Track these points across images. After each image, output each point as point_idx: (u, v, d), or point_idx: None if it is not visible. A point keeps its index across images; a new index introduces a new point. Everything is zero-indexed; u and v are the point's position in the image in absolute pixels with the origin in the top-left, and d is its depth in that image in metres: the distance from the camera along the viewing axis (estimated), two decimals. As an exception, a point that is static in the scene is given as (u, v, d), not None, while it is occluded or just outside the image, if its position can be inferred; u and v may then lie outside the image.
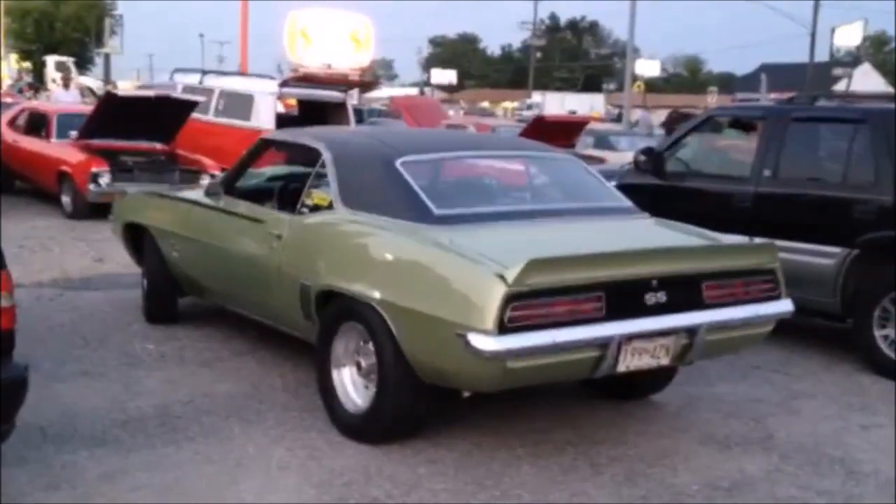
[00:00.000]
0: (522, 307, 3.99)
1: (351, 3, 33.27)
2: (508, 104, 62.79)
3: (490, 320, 3.95)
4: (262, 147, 5.88)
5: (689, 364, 4.75)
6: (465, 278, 4.14)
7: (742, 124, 7.43)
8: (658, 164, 7.43)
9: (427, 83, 73.13)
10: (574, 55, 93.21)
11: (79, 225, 11.57)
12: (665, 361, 4.53)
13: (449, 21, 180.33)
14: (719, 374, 6.13)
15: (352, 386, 4.72)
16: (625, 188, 7.64)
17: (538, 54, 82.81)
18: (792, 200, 6.66)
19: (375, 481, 4.23)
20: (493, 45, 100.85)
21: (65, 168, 12.33)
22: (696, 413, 5.38)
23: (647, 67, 68.28)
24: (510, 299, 3.95)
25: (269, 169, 6.62)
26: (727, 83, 71.93)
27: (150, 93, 13.37)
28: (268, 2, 32.75)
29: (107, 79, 43.29)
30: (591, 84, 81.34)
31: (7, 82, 38.70)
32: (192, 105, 12.65)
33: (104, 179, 11.85)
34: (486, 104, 64.08)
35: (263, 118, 13.91)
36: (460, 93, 77.99)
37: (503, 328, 3.95)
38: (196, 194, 6.28)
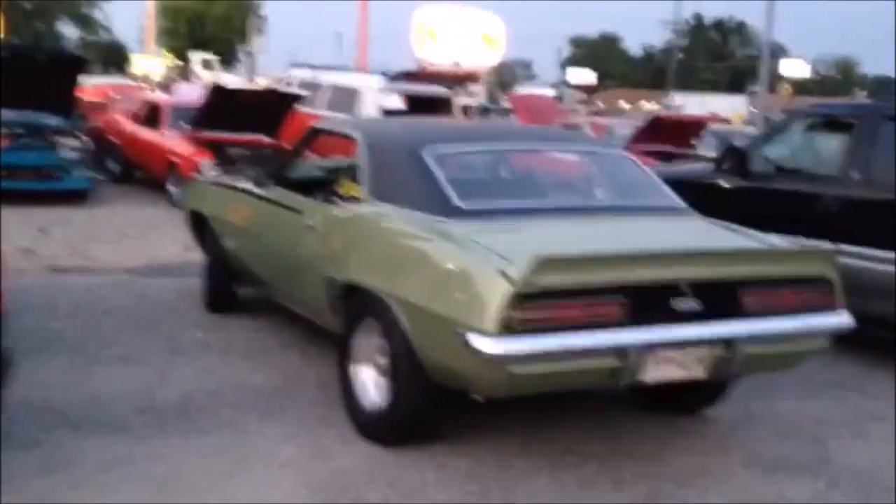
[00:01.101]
0: (530, 308, 3.72)
1: (489, 2, 33.23)
2: (648, 105, 61.62)
3: (492, 320, 3.69)
4: (312, 135, 5.76)
5: (734, 378, 4.36)
6: (470, 275, 3.89)
7: (834, 124, 6.89)
8: (741, 163, 6.97)
9: (565, 83, 72.58)
10: (719, 55, 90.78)
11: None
12: (700, 374, 4.17)
13: (590, 21, 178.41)
14: (788, 389, 5.67)
15: (371, 384, 4.52)
16: (703, 188, 7.27)
17: (681, 54, 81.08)
18: (881, 205, 6.13)
19: (375, 485, 4.03)
20: (634, 45, 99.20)
21: (173, 158, 12.61)
22: (749, 431, 4.97)
23: (794, 68, 65.85)
24: (515, 299, 3.69)
25: (325, 159, 6.52)
26: (884, 86, 68.67)
27: (256, 86, 13.53)
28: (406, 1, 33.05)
29: (251, 76, 44.52)
30: (736, 85, 78.99)
31: (156, 79, 40.22)
32: (295, 98, 12.74)
33: (208, 170, 12.04)
34: (624, 104, 63.07)
35: (368, 112, 13.92)
36: (599, 93, 77.08)
37: (507, 329, 3.69)
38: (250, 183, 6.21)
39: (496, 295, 3.70)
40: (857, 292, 6.19)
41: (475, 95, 31.15)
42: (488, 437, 4.56)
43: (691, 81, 79.81)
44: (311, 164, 6.31)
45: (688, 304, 4.02)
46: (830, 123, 6.97)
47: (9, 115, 12.09)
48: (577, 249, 3.92)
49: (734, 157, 7.03)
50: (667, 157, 13.49)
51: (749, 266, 4.20)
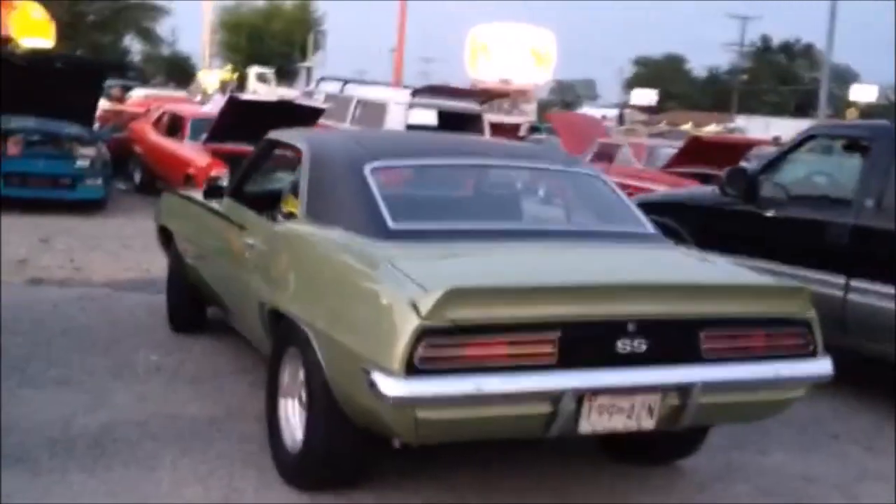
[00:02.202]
0: (440, 346, 3.27)
1: (550, 22, 32.88)
2: (712, 127, 60.50)
3: (396, 358, 3.24)
4: (268, 147, 5.36)
5: (681, 429, 3.82)
6: (378, 305, 3.44)
7: (849, 146, 6.32)
8: (749, 186, 6.43)
9: (625, 104, 71.74)
10: (785, 78, 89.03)
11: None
12: (649, 424, 3.66)
13: (656, 42, 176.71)
14: (782, 440, 5.13)
15: (293, 420, 4.10)
16: (707, 213, 6.74)
17: (745, 76, 79.70)
18: (892, 237, 5.55)
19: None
20: (698, 67, 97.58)
21: (189, 169, 12.37)
22: (724, 488, 4.44)
23: (864, 93, 64.27)
24: (423, 334, 3.24)
25: (280, 173, 6.11)
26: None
27: (273, 98, 13.25)
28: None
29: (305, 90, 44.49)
30: (803, 109, 77.32)
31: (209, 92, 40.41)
32: (316, 112, 12.43)
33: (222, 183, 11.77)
34: (687, 126, 61.92)
35: (393, 126, 13.56)
36: (661, 114, 75.95)
37: (412, 369, 3.24)
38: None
39: (401, 329, 3.26)
40: (872, 334, 5.65)
41: (525, 114, 30.74)
42: (424, 485, 4.11)
43: (755, 104, 78.33)
44: (266, 177, 5.93)
45: (635, 344, 3.53)
46: (845, 145, 6.40)
47: (26, 122, 11.98)
48: (502, 279, 3.46)
49: (741, 179, 6.49)
50: (704, 179, 12.89)
51: (709, 304, 3.68)
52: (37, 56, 14.43)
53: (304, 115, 12.44)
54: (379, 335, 3.34)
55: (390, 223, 3.99)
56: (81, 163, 11.85)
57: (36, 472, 4.02)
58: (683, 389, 3.60)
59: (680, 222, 6.93)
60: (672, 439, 4.38)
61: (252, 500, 3.90)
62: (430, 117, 14.52)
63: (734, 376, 3.68)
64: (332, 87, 15.35)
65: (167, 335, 6.31)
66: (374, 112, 14.04)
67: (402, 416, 3.33)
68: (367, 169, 4.22)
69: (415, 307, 3.25)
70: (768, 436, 5.17)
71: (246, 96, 14.56)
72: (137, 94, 28.31)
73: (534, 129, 30.13)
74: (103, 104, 25.25)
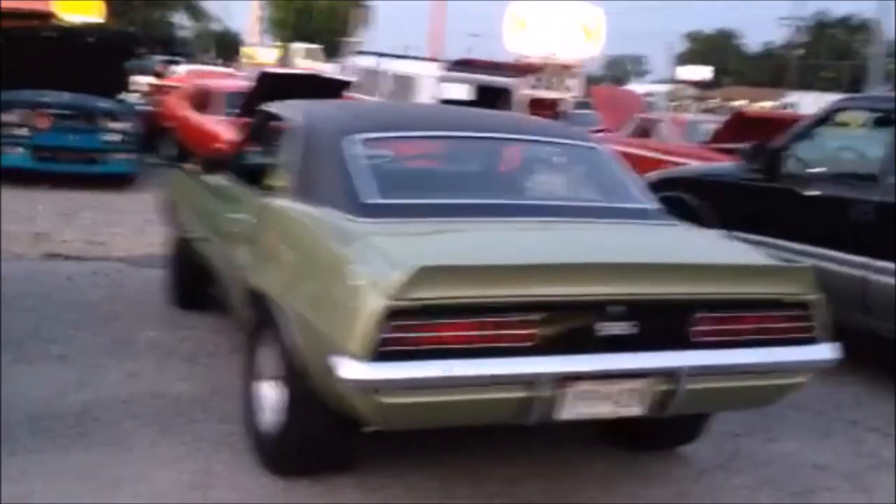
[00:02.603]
0: (407, 328, 3.10)
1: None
2: (766, 103, 59.36)
3: (360, 341, 3.08)
4: (264, 119, 5.20)
5: (670, 415, 3.61)
6: (347, 285, 3.28)
7: (878, 119, 6.00)
8: (772, 161, 6.15)
9: (673, 80, 70.67)
10: (842, 54, 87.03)
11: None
12: (637, 411, 3.47)
13: (709, 18, 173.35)
14: (797, 425, 4.92)
15: (270, 403, 3.96)
16: (729, 189, 6.49)
17: (801, 51, 78.08)
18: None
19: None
20: (753, 42, 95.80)
21: (217, 143, 12.30)
22: (725, 477, 4.23)
23: (921, 67, 62.60)
24: (389, 316, 3.07)
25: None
26: None
27: (302, 71, 13.11)
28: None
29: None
30: (858, 84, 75.57)
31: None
32: (342, 84, 12.27)
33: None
34: (740, 102, 60.67)
35: (423, 100, 13.37)
36: (714, 90, 74.65)
37: (377, 352, 3.08)
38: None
39: (365, 310, 3.09)
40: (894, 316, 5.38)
41: (570, 89, 30.29)
42: (409, 471, 3.95)
43: (812, 80, 76.69)
44: (261, 150, 5.77)
45: (620, 328, 3.34)
46: (875, 119, 6.08)
47: (55, 96, 11.98)
48: (477, 257, 3.28)
49: (763, 154, 6.22)
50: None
51: (700, 285, 3.46)
52: (67, 30, 14.36)
53: (333, 88, 12.28)
54: (344, 317, 3.18)
55: (372, 198, 3.82)
56: (110, 137, 11.83)
57: (13, 452, 3.92)
58: (672, 375, 3.41)
59: (700, 199, 6.68)
60: (671, 425, 4.18)
61: (225, 485, 3.77)
62: (461, 91, 14.29)
63: (725, 361, 3.47)
64: (367, 62, 15.21)
65: (173, 312, 6.22)
66: (405, 86, 13.87)
67: (367, 402, 3.18)
68: (345, 141, 4.04)
69: (380, 287, 3.09)
70: (782, 422, 4.95)
71: (276, 69, 14.41)
72: (181, 69, 28.46)
73: (581, 104, 29.68)
74: (148, 80, 25.41)
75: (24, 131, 11.37)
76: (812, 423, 5.02)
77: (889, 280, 5.34)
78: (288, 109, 4.71)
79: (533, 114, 25.06)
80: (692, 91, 62.81)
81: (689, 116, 18.77)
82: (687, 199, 6.80)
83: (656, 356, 3.39)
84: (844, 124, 6.54)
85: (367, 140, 4.10)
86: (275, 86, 11.79)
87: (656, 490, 4.03)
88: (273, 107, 4.97)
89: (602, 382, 3.36)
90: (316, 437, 3.69)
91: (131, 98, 17.13)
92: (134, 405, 4.51)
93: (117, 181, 11.93)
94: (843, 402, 5.40)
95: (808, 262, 5.65)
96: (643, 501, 3.92)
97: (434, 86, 13.60)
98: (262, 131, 5.24)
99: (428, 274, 3.05)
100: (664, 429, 4.23)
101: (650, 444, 4.34)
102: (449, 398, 3.20)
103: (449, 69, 13.90)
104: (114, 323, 5.86)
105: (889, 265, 5.34)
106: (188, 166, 6.42)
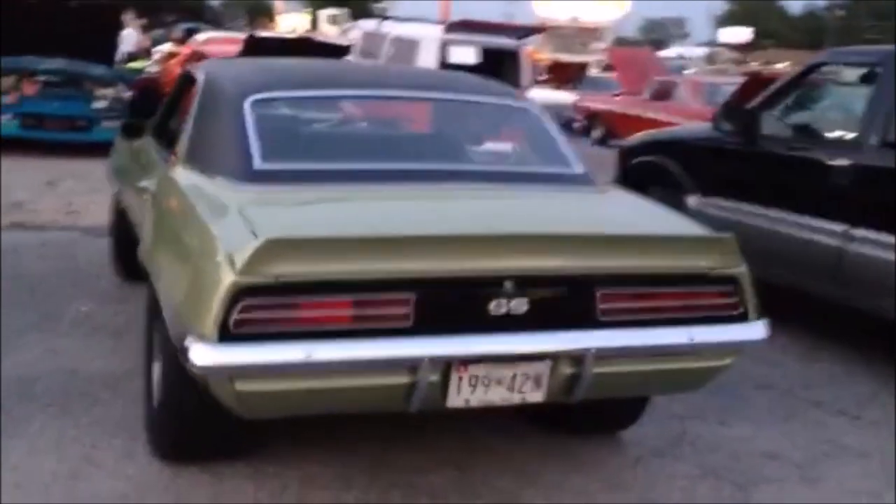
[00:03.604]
0: (263, 307, 2.78)
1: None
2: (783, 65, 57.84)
3: (209, 321, 2.77)
4: (184, 81, 4.86)
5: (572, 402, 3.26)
6: (205, 260, 2.96)
7: (860, 75, 5.55)
8: (748, 123, 5.73)
9: (713, 42, 69.33)
10: (885, 14, 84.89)
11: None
12: (536, 397, 3.14)
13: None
14: (756, 407, 4.59)
15: (157, 385, 3.67)
16: (706, 152, 6.09)
17: (843, 13, 76.33)
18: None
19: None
20: (795, 4, 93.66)
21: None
22: (662, 465, 3.88)
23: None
24: (240, 293, 2.75)
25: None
26: None
27: (290, 35, 12.75)
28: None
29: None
30: (902, 46, 73.59)
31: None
32: (339, 49, 11.89)
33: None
34: (783, 65, 59.25)
35: (425, 65, 12.93)
36: (754, 53, 73.12)
37: (229, 334, 2.77)
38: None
39: (215, 287, 2.78)
40: (871, 288, 5.00)
41: (594, 52, 29.69)
42: (308, 458, 3.65)
43: (855, 41, 74.89)
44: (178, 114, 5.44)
45: (514, 306, 2.99)
46: (856, 75, 5.64)
47: (52, 62, 11.76)
48: (345, 228, 2.95)
49: (739, 114, 5.80)
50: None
51: (606, 258, 3.10)
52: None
53: (329, 53, 11.92)
54: (196, 295, 2.88)
55: (260, 164, 3.49)
56: (98, 104, 11.59)
57: None
58: (575, 357, 3.06)
59: (679, 163, 6.29)
60: (606, 407, 3.86)
61: (105, 474, 3.48)
62: (468, 55, 13.84)
63: (638, 343, 3.12)
64: (371, 25, 14.79)
65: (113, 283, 5.96)
66: (406, 49, 13.42)
67: (222, 388, 2.88)
68: (248, 102, 3.71)
69: (231, 262, 2.77)
70: (740, 402, 4.62)
71: (265, 33, 14.07)
72: (200, 37, 28.20)
73: (609, 67, 29.09)
74: (165, 47, 25.18)
75: (10, 98, 11.16)
76: (774, 404, 4.66)
77: (866, 249, 4.94)
78: (201, 69, 4.39)
79: (555, 78, 24.60)
80: (732, 54, 61.52)
81: (707, 79, 18.19)
82: (667, 164, 6.41)
83: (556, 336, 3.05)
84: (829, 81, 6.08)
85: (263, 100, 3.76)
86: (263, 50, 11.47)
87: (581, 479, 3.69)
88: (194, 68, 4.64)
89: (495, 366, 3.03)
90: (193, 421, 3.37)
91: (137, 65, 16.97)
92: (40, 385, 4.25)
93: (104, 149, 11.67)
94: (813, 381, 5.03)
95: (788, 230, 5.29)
96: (562, 491, 3.58)
97: (437, 49, 13.13)
98: (182, 94, 4.91)
99: (277, 247, 2.73)
100: (597, 411, 3.88)
101: (582, 427, 4.00)
102: (314, 385, 2.88)
103: (446, 31, 13.38)
104: (49, 297, 5.61)
105: (867, 234, 4.94)
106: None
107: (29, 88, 11.28)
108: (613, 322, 3.10)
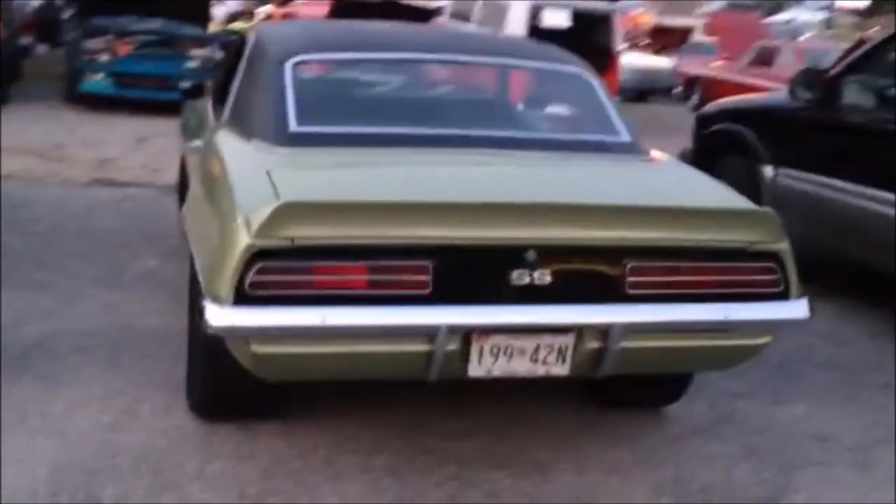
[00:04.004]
0: (280, 270, 2.78)
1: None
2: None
3: (225, 283, 2.78)
4: (240, 42, 4.86)
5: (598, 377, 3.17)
6: (227, 222, 2.96)
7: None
8: (829, 91, 5.47)
9: (830, 7, 66.77)
10: None
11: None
12: (561, 371, 3.07)
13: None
14: (816, 388, 4.43)
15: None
16: (780, 121, 5.85)
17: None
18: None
19: (136, 472, 3.24)
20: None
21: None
22: (702, 443, 3.77)
23: None
24: (256, 256, 2.75)
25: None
26: None
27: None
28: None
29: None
30: None
31: None
32: (425, 13, 11.86)
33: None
34: (901, 31, 56.64)
35: (514, 29, 12.78)
36: (872, 18, 70.32)
37: (246, 297, 2.77)
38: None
39: (232, 249, 2.78)
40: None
41: (701, 17, 28.87)
42: (341, 423, 3.66)
43: None
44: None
45: (537, 276, 2.93)
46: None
47: (138, 22, 12.01)
48: (364, 193, 2.91)
49: (819, 81, 5.54)
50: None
51: (637, 230, 2.99)
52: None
53: (416, 17, 11.90)
54: (215, 256, 2.90)
55: (295, 126, 3.48)
56: (191, 64, 11.79)
57: (-57, 381, 3.83)
58: (601, 332, 2.99)
59: (754, 131, 6.06)
60: (649, 381, 3.77)
61: (143, 427, 3.56)
62: (560, 18, 13.61)
63: (667, 318, 3.02)
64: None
65: (179, 241, 6.04)
66: (496, 13, 13.26)
67: (239, 350, 2.90)
68: (289, 64, 3.69)
69: (248, 224, 2.77)
70: (799, 381, 4.46)
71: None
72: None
73: (712, 31, 28.32)
74: (267, 8, 25.46)
75: (105, 57, 11.45)
76: (835, 384, 4.48)
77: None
78: (253, 31, 4.39)
79: (657, 42, 24.01)
80: (853, 19, 59.21)
81: (812, 44, 17.53)
82: (743, 132, 6.19)
83: (580, 309, 2.97)
84: None
85: (305, 62, 3.74)
86: (349, 12, 11.49)
87: (616, 453, 3.61)
88: (251, 30, 4.65)
89: (517, 337, 2.97)
90: (226, 380, 3.39)
91: (238, 26, 17.23)
92: (92, 338, 4.35)
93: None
94: (883, 362, 4.81)
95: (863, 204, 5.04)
96: (595, 464, 3.51)
97: (528, 12, 12.93)
98: (237, 55, 4.93)
99: (294, 210, 2.72)
100: (640, 385, 3.80)
101: (625, 401, 3.92)
102: (331, 350, 2.88)
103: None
104: (118, 251, 5.75)
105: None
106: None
107: (122, 49, 11.54)
108: (643, 296, 3.00)
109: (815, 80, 5.54)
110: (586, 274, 2.98)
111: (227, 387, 3.41)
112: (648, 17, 28.66)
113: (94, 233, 6.11)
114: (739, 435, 3.85)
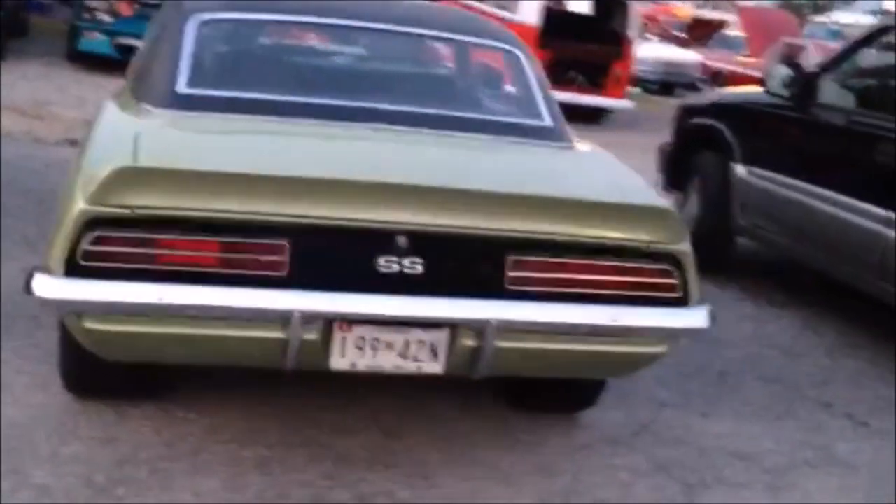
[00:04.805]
0: (117, 241, 2.56)
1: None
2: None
3: (56, 252, 2.57)
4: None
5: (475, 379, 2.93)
6: (69, 188, 2.76)
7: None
8: (805, 89, 5.16)
9: (878, 11, 65.56)
10: None
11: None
12: (434, 368, 2.83)
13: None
14: (752, 402, 4.16)
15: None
16: (755, 118, 5.55)
17: None
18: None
19: None
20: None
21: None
22: (609, 454, 3.51)
23: None
24: (91, 224, 2.54)
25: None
26: None
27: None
28: None
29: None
30: None
31: None
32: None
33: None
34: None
35: (526, 12, 12.48)
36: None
37: (78, 268, 2.55)
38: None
39: (67, 216, 2.58)
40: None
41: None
42: (222, 408, 3.45)
43: None
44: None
45: (408, 265, 2.69)
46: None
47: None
48: (216, 163, 2.68)
49: (795, 78, 5.23)
50: None
51: (522, 221, 2.74)
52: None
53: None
54: (56, 224, 2.68)
55: (182, 87, 3.25)
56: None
57: None
58: (476, 329, 2.74)
59: (729, 127, 5.76)
60: (559, 385, 3.52)
61: (13, 400, 3.36)
62: (580, 4, 13.32)
63: (548, 318, 2.77)
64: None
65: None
66: (511, -1, 13.00)
67: (73, 325, 2.68)
68: (192, 21, 3.45)
69: (85, 189, 2.55)
70: (736, 393, 4.21)
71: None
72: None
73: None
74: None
75: (106, 17, 11.28)
76: (774, 399, 4.21)
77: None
78: None
79: (693, 36, 23.53)
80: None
81: (837, 44, 17.04)
82: (719, 128, 5.89)
83: (454, 303, 2.73)
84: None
85: (212, 21, 3.50)
86: None
87: (513, 459, 3.36)
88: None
89: (384, 329, 2.73)
90: (90, 357, 3.17)
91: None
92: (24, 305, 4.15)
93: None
94: (833, 378, 4.54)
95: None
96: (486, 470, 3.27)
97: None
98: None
99: (131, 176, 2.50)
100: (552, 388, 3.56)
101: (537, 404, 3.67)
102: (172, 331, 2.66)
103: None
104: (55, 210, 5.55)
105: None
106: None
107: (125, 9, 11.35)
108: (524, 293, 2.76)
109: (791, 77, 5.23)
110: (463, 266, 2.74)
111: (93, 364, 3.19)
112: (686, 11, 28.18)
113: (40, 193, 5.92)
114: (652, 447, 3.60)
